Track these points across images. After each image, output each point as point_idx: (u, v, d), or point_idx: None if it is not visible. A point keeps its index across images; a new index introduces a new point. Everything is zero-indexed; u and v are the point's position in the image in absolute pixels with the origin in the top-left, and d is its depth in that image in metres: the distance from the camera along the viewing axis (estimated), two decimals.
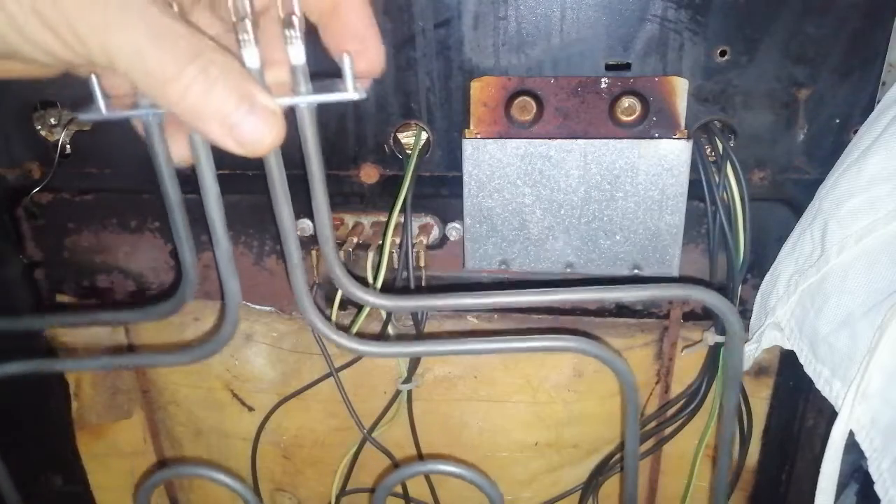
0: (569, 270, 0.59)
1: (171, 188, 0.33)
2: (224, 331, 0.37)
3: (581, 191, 0.56)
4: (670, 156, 0.54)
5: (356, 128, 0.58)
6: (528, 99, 0.54)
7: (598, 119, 0.55)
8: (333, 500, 0.73)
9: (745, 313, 0.61)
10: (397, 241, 0.59)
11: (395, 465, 0.71)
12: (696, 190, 0.55)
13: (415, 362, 0.66)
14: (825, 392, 0.49)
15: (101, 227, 0.67)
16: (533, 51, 0.53)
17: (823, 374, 0.50)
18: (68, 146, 0.62)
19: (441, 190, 0.60)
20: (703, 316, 0.64)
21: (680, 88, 0.53)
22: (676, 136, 0.54)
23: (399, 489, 0.74)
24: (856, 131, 0.52)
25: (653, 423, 0.68)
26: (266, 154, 0.28)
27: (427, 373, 0.68)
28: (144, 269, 0.68)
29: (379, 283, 0.59)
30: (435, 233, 0.62)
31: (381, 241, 0.59)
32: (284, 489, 0.78)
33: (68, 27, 0.24)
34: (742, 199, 0.54)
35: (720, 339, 0.60)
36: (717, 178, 0.54)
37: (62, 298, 0.71)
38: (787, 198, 0.57)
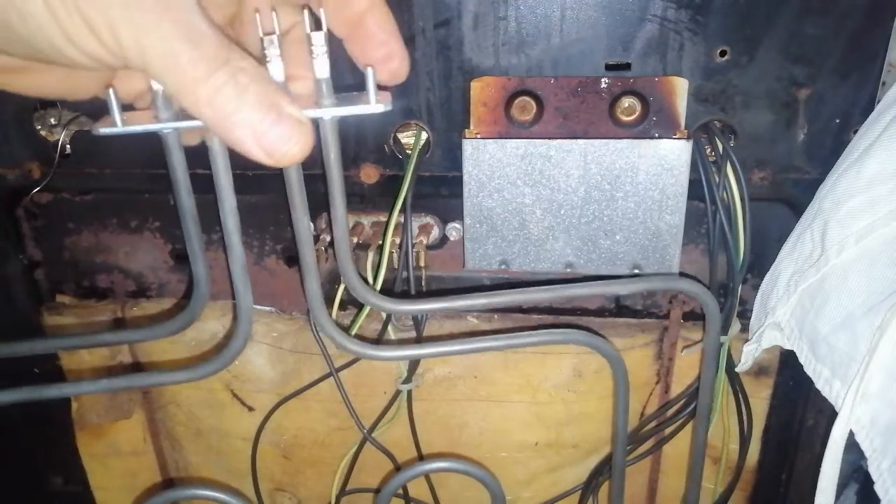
0: (569, 270, 0.59)
1: (186, 199, 0.33)
2: (235, 343, 0.38)
3: (581, 191, 0.56)
4: (670, 156, 0.54)
5: (356, 128, 0.58)
6: (528, 99, 0.54)
7: (598, 119, 0.55)
8: (333, 500, 0.73)
9: (745, 313, 0.61)
10: (397, 241, 0.59)
11: (396, 465, 0.71)
12: (696, 190, 0.55)
13: (415, 362, 0.66)
14: (825, 392, 0.49)
15: (101, 227, 0.67)
16: (533, 51, 0.53)
17: (823, 374, 0.50)
18: (68, 146, 0.62)
19: (441, 190, 0.60)
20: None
21: (680, 88, 0.53)
22: (676, 136, 0.54)
23: (399, 489, 0.74)
24: (856, 131, 0.52)
25: (653, 423, 0.68)
26: (291, 165, 0.29)
27: (427, 373, 0.68)
28: (144, 269, 0.68)
29: (379, 283, 0.59)
30: (435, 233, 0.62)
31: (381, 241, 0.59)
32: (284, 489, 0.78)
33: (108, 26, 0.24)
34: (742, 199, 0.54)
35: (720, 338, 0.60)
36: (717, 178, 0.54)
37: (62, 298, 0.71)
38: (787, 198, 0.57)
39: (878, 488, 0.44)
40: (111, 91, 0.29)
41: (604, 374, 0.67)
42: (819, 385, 0.50)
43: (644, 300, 0.64)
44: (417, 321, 0.64)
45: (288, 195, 0.33)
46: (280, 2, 0.31)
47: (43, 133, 0.62)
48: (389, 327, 0.64)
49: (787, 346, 0.54)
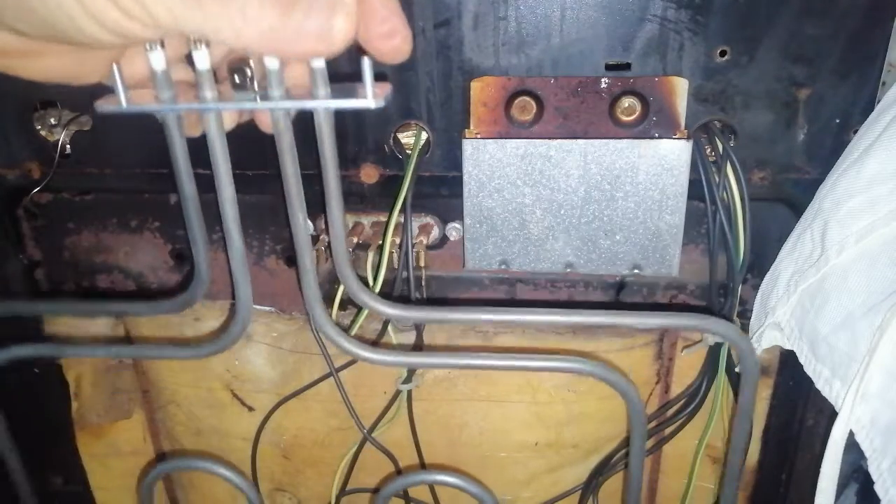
0: (569, 270, 0.59)
1: (187, 184, 0.33)
2: (233, 329, 0.37)
3: (581, 191, 0.56)
4: (670, 156, 0.54)
5: (356, 128, 0.58)
6: (528, 99, 0.54)
7: (598, 119, 0.55)
8: (333, 500, 0.73)
9: (745, 313, 0.61)
10: (397, 241, 0.59)
11: (396, 466, 0.71)
12: (696, 190, 0.55)
13: None
14: (825, 392, 0.49)
15: (101, 227, 0.67)
16: (533, 51, 0.53)
17: (823, 374, 0.49)
18: (68, 146, 0.62)
19: (441, 190, 0.60)
20: None
21: (680, 88, 0.53)
22: (676, 136, 0.54)
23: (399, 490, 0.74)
24: (856, 131, 0.52)
25: (653, 423, 0.68)
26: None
27: (427, 373, 0.68)
28: (144, 269, 0.68)
29: (379, 284, 0.59)
30: (435, 233, 0.62)
31: (381, 241, 0.59)
32: (284, 489, 0.78)
33: None
34: (742, 199, 0.54)
35: (720, 339, 0.60)
36: (717, 178, 0.54)
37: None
38: (787, 198, 0.57)
39: (878, 488, 0.44)
40: (116, 69, 0.28)
41: None
42: (819, 385, 0.50)
43: (644, 299, 0.64)
44: (418, 326, 0.64)
45: (285, 191, 0.32)
46: None
47: (43, 133, 0.62)
48: (389, 327, 0.64)
49: (787, 346, 0.54)
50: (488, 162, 0.56)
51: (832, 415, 0.47)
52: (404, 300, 0.61)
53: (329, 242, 0.36)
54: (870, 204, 0.47)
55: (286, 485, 0.78)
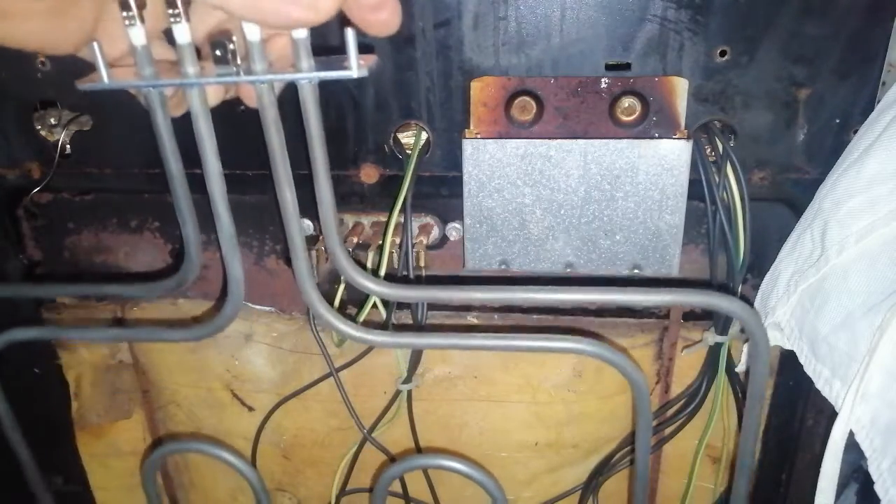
0: (569, 270, 0.59)
1: (173, 162, 0.32)
2: (226, 310, 0.37)
3: (581, 191, 0.56)
4: (670, 156, 0.54)
5: (356, 128, 0.58)
6: (528, 99, 0.54)
7: (598, 119, 0.55)
8: (333, 500, 0.73)
9: None
10: (397, 241, 0.59)
11: None
12: (696, 190, 0.55)
13: (415, 362, 0.66)
14: (825, 392, 0.49)
15: (101, 227, 0.67)
16: (533, 51, 0.53)
17: (823, 374, 0.50)
18: (68, 146, 0.62)
19: (441, 190, 0.60)
20: (703, 316, 0.64)
21: (680, 88, 0.53)
22: (676, 136, 0.54)
23: (399, 488, 0.74)
24: (856, 131, 0.52)
25: (653, 423, 0.68)
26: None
27: (427, 373, 0.68)
28: (144, 269, 0.68)
29: None
30: (435, 233, 0.62)
31: (381, 241, 0.59)
32: (284, 489, 0.78)
33: None
34: (742, 199, 0.54)
35: (720, 339, 0.60)
36: (717, 178, 0.54)
37: (62, 299, 0.71)
38: (787, 198, 0.57)
39: (878, 488, 0.44)
40: (96, 45, 0.28)
41: (604, 374, 0.67)
42: (819, 385, 0.50)
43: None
44: (417, 319, 0.63)
45: (271, 167, 0.31)
46: None
47: (43, 133, 0.62)
48: (390, 326, 0.64)
49: (787, 346, 0.54)
50: (488, 162, 0.56)
51: (832, 415, 0.47)
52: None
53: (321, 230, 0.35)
54: (870, 204, 0.47)
55: (286, 485, 0.78)
